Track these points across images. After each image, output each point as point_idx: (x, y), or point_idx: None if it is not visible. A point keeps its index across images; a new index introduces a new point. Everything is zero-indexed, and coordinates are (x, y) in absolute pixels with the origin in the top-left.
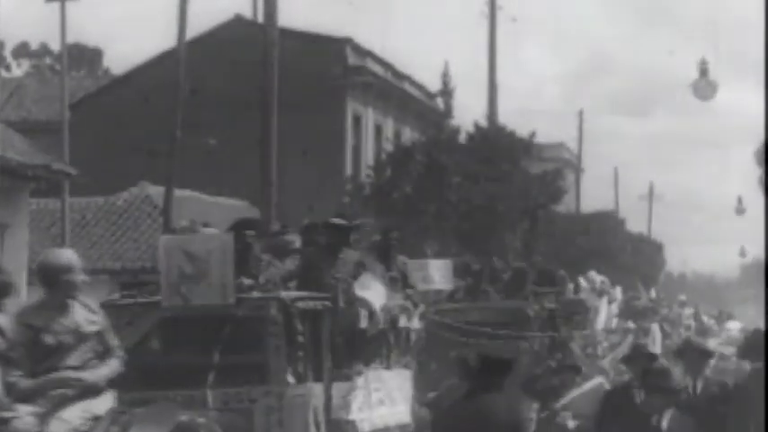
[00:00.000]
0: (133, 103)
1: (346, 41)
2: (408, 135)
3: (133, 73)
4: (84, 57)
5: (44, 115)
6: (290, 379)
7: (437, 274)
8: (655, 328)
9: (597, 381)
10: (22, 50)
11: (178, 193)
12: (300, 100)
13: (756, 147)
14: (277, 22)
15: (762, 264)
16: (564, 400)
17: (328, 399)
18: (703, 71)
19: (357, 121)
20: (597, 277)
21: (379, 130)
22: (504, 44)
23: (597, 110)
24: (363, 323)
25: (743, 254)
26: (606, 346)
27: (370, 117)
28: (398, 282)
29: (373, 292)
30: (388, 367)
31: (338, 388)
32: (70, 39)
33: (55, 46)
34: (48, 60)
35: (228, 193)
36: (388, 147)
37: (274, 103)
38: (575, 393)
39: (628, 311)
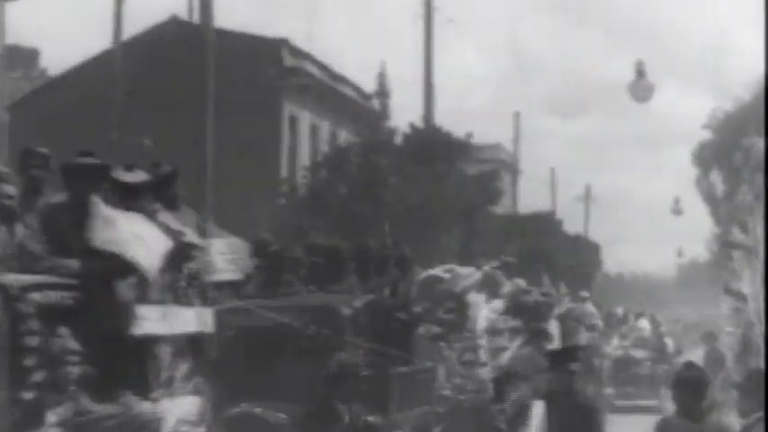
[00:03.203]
0: (70, 104)
1: (282, 42)
2: (345, 136)
3: (69, 74)
4: (19, 57)
5: None
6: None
7: (221, 259)
8: (553, 326)
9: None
10: None
11: None
12: (237, 101)
13: (693, 147)
14: (213, 23)
15: (697, 264)
16: None
17: None
18: (640, 73)
19: (293, 122)
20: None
21: (314, 131)
22: (439, 45)
23: (533, 111)
24: (140, 328)
25: (680, 254)
26: (489, 350)
27: (306, 118)
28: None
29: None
30: (170, 394)
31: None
32: (7, 40)
33: None
34: None
35: None
36: (324, 148)
37: (210, 103)
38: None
39: (515, 308)
